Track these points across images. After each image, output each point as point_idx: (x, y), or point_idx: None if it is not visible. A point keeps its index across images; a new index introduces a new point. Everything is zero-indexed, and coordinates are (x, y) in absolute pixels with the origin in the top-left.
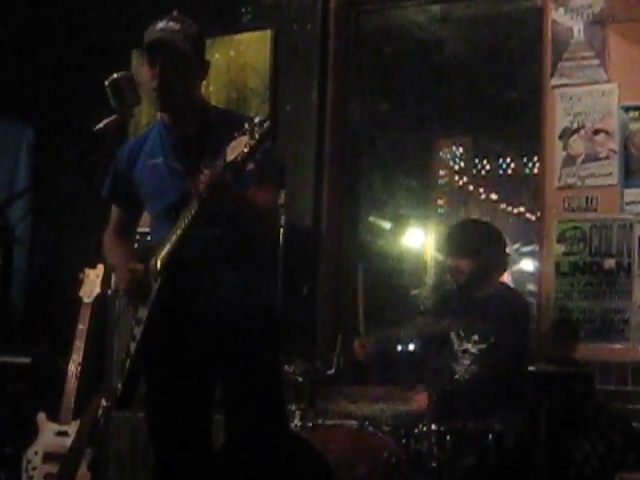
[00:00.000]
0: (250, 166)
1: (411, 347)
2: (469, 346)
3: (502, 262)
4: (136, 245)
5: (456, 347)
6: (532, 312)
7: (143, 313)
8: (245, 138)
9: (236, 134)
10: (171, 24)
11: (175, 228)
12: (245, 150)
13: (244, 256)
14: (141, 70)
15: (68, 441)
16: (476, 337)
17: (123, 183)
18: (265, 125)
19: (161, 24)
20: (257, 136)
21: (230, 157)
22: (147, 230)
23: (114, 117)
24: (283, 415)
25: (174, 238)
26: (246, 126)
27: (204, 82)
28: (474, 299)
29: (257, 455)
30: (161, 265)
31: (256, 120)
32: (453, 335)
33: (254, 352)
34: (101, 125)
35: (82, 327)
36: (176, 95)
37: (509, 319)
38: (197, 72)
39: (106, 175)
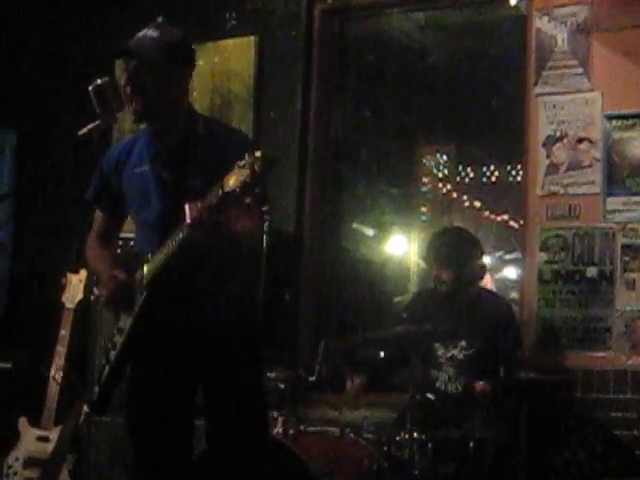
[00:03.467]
0: (247, 200)
1: (391, 353)
2: (455, 352)
3: (481, 269)
4: (119, 251)
5: (440, 354)
6: (515, 315)
7: (125, 322)
8: (245, 171)
9: (238, 164)
10: (150, 32)
11: (163, 247)
12: (244, 184)
13: (225, 271)
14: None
15: (49, 446)
16: (463, 343)
17: (109, 188)
18: (267, 161)
19: (141, 33)
20: (258, 171)
21: (227, 189)
22: (130, 236)
23: (98, 122)
24: (264, 422)
25: (163, 256)
26: (247, 158)
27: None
28: (457, 305)
29: (238, 462)
30: (148, 281)
31: (257, 154)
32: (437, 342)
33: (235, 360)
34: (85, 130)
35: (64, 333)
36: (149, 104)
37: (495, 324)
38: (175, 80)
39: (90, 180)
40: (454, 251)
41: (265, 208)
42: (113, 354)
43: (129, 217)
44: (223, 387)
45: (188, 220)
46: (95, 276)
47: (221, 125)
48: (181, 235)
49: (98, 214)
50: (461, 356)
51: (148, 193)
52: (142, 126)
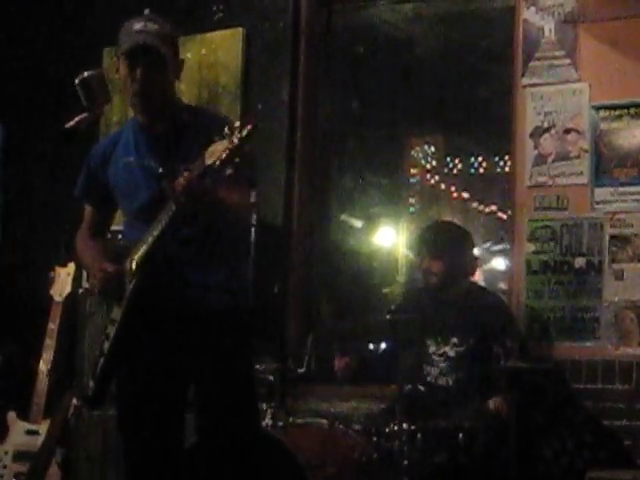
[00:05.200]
0: (229, 171)
1: (382, 346)
2: (447, 349)
3: (472, 264)
4: (109, 243)
5: (432, 350)
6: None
7: (117, 313)
8: (225, 142)
9: (217, 137)
10: (149, 25)
11: (151, 229)
12: (224, 155)
13: (217, 255)
14: (112, 68)
15: (38, 440)
16: (455, 340)
17: (96, 182)
18: (246, 131)
19: (138, 25)
20: (237, 141)
21: (209, 161)
22: (120, 228)
23: (85, 115)
24: (255, 414)
25: (150, 240)
26: (226, 130)
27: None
28: (446, 300)
29: (228, 454)
30: (136, 266)
31: (237, 124)
32: (429, 338)
33: (226, 351)
34: (72, 123)
35: (53, 326)
36: (156, 98)
37: (488, 320)
38: (175, 73)
39: (78, 173)
40: (445, 243)
41: (253, 197)
42: (107, 346)
43: (119, 210)
44: (214, 380)
45: (178, 190)
46: (85, 270)
47: (205, 111)
48: (170, 212)
49: (87, 208)
50: (452, 353)
51: (136, 183)
52: (130, 115)
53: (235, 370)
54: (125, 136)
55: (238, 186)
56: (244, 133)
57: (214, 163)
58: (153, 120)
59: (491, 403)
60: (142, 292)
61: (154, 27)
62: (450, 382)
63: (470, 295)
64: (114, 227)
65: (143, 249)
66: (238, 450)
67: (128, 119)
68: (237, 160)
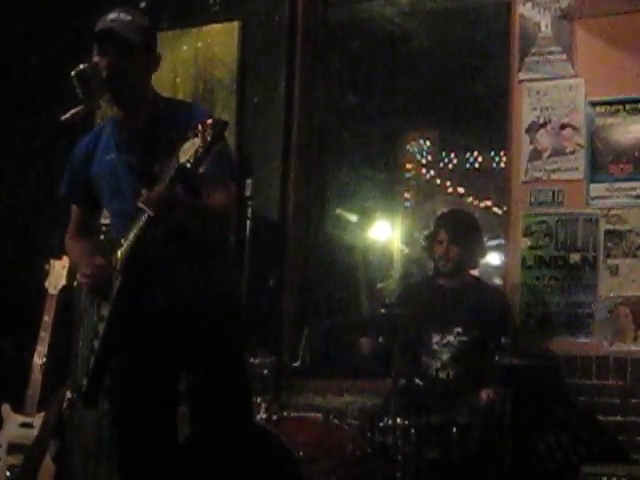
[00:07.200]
0: (202, 169)
1: (376, 340)
2: (450, 338)
3: (482, 254)
4: (102, 237)
5: (435, 340)
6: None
7: (106, 310)
8: (197, 140)
9: (189, 135)
10: (122, 15)
11: (131, 228)
12: (196, 153)
13: (203, 251)
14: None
15: (33, 432)
16: (459, 329)
17: (80, 181)
18: (217, 127)
19: (112, 15)
20: (209, 138)
21: (182, 159)
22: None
23: (80, 108)
24: (248, 408)
25: (131, 238)
26: (199, 128)
27: (171, 74)
28: (453, 288)
29: (222, 448)
30: (120, 264)
31: (208, 121)
32: (432, 329)
33: (219, 345)
34: (67, 115)
35: (47, 319)
36: (126, 87)
37: (492, 311)
38: (148, 65)
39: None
40: (466, 230)
41: (248, 190)
42: (97, 343)
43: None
44: (207, 374)
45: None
46: (75, 268)
47: (182, 104)
48: (141, 222)
49: (74, 208)
50: (456, 343)
51: (118, 180)
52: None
53: (227, 363)
54: (106, 133)
55: (217, 185)
56: (216, 129)
57: (187, 162)
58: (129, 115)
59: (483, 394)
60: (128, 289)
61: (127, 17)
62: (451, 375)
63: (476, 285)
64: (105, 221)
65: (125, 247)
66: (232, 443)
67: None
68: (210, 157)
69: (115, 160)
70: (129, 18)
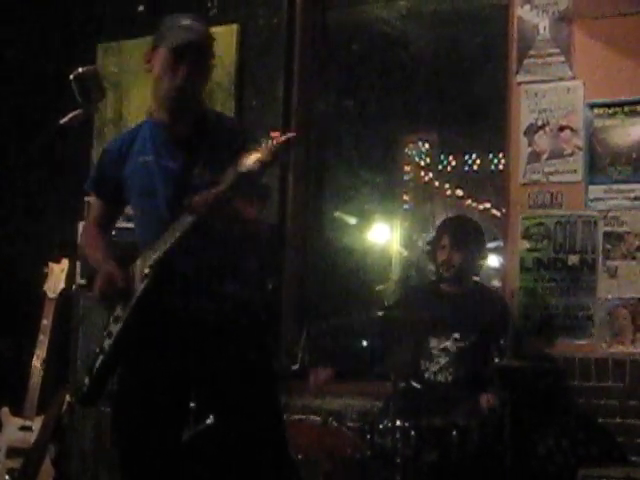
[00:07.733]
0: (260, 181)
1: (374, 343)
2: (448, 344)
3: (483, 260)
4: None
5: (433, 345)
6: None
7: (122, 311)
8: (258, 155)
9: (250, 147)
10: (197, 24)
11: (168, 234)
12: (258, 166)
13: (232, 265)
14: (108, 63)
15: (32, 436)
16: (457, 335)
17: (110, 178)
18: (285, 142)
19: (186, 22)
20: (274, 151)
21: (244, 169)
22: (128, 226)
23: (79, 111)
24: (280, 417)
25: (167, 244)
26: (263, 144)
27: None
28: (453, 294)
29: (261, 459)
30: (150, 269)
31: (275, 134)
32: (430, 333)
33: (252, 358)
34: (66, 119)
35: (46, 322)
36: (191, 98)
37: (490, 316)
38: (210, 74)
39: (73, 169)
40: (470, 237)
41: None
42: (108, 343)
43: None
44: (240, 386)
45: (195, 205)
46: (90, 263)
47: (227, 118)
48: (187, 224)
49: (97, 203)
50: (454, 348)
51: (152, 183)
52: (145, 112)
53: (254, 378)
54: (142, 134)
55: (255, 198)
56: (280, 144)
57: (249, 171)
58: (176, 121)
59: (483, 399)
60: (152, 294)
61: (202, 27)
62: (449, 378)
63: (476, 291)
64: (120, 225)
65: (158, 253)
66: (267, 457)
67: (144, 118)
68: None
69: (151, 162)
70: (203, 27)
